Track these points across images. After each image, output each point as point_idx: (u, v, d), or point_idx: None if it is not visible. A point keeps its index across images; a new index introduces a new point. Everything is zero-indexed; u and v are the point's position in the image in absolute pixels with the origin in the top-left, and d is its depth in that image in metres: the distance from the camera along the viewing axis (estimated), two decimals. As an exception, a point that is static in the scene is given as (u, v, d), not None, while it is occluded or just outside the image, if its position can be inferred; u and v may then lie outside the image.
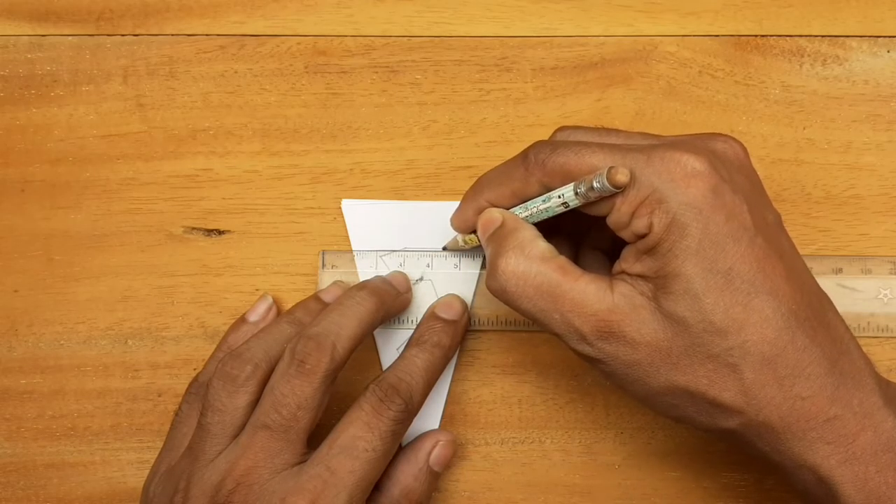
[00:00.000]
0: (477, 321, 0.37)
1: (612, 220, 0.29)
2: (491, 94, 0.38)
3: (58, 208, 0.38)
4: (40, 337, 0.38)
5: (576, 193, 0.29)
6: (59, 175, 0.39)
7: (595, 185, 0.28)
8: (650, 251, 0.28)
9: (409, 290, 0.36)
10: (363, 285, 0.34)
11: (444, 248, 0.37)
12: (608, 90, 0.38)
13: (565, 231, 0.34)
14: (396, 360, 0.34)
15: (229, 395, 0.31)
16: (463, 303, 0.36)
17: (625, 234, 0.29)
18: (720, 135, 0.31)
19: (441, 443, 0.35)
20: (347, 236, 0.38)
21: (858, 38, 0.38)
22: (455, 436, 0.36)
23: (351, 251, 0.37)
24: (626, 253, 0.30)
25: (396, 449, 0.33)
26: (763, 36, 0.38)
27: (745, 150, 0.30)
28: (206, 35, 0.39)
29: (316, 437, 0.31)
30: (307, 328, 0.32)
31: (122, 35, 0.39)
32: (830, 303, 0.30)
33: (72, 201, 0.38)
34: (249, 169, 0.38)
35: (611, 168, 0.27)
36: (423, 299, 0.37)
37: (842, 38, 0.38)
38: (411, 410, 0.32)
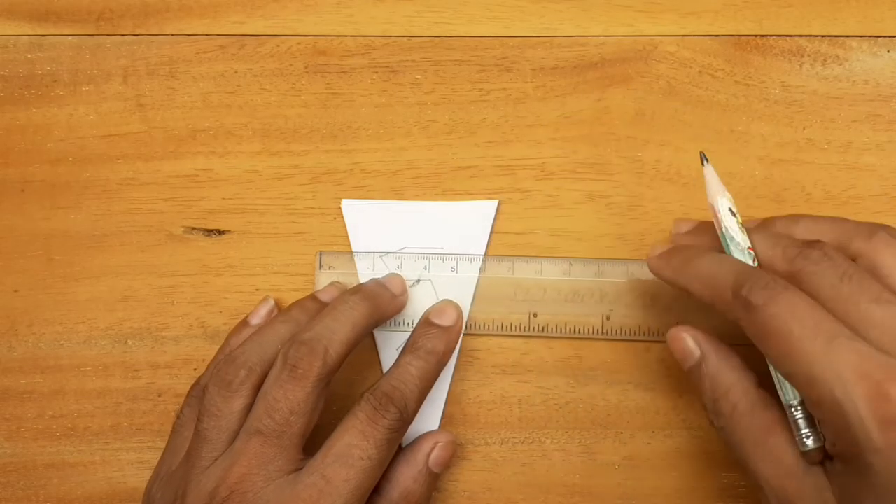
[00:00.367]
0: (474, 325, 0.37)
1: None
2: (491, 94, 0.38)
3: (58, 208, 0.38)
4: (40, 337, 0.38)
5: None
6: (59, 175, 0.39)
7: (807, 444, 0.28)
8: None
9: (404, 292, 0.36)
10: (357, 289, 0.34)
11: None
12: (608, 90, 0.38)
13: None
14: (391, 367, 0.33)
15: (224, 399, 0.31)
16: (457, 308, 0.36)
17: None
18: None
19: (440, 444, 0.34)
20: (347, 236, 0.38)
21: (858, 38, 0.38)
22: (455, 436, 0.36)
23: (348, 251, 0.37)
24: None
25: (393, 455, 0.32)
26: (763, 36, 0.38)
27: None
28: (206, 35, 0.39)
29: (312, 442, 0.31)
30: (300, 333, 0.32)
31: (122, 35, 0.39)
32: None
33: (72, 201, 0.38)
34: (249, 169, 0.38)
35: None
36: (424, 300, 0.37)
37: (842, 38, 0.38)
38: (406, 418, 0.32)
